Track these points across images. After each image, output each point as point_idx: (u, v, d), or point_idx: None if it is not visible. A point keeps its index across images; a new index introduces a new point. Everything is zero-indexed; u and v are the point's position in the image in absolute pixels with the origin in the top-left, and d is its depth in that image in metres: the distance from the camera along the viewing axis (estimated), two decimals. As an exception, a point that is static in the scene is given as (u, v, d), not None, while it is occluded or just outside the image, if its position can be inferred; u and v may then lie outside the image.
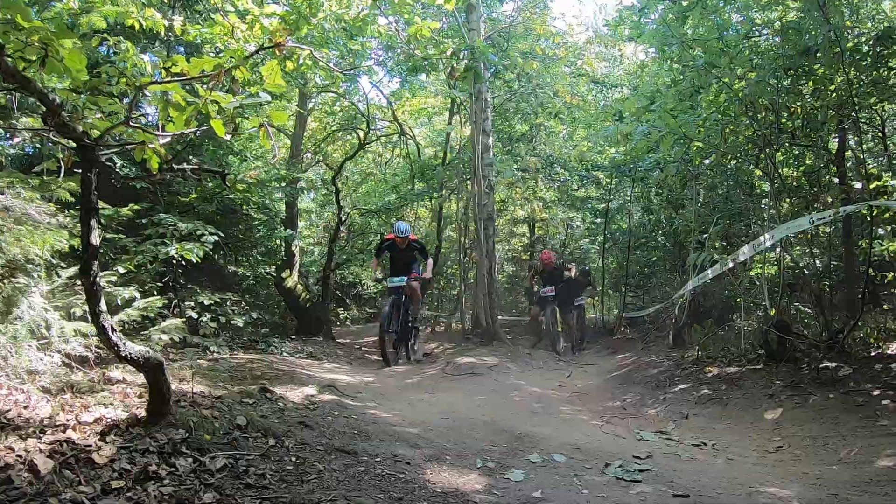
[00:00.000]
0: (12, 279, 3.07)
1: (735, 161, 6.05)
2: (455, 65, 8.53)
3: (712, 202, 7.28)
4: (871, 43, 4.48)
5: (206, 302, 5.72)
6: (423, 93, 11.98)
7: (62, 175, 3.37)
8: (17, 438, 1.92)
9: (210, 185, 6.28)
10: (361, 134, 11.08)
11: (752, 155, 5.52)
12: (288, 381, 4.17)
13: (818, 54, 4.51)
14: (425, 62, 8.53)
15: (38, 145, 4.44)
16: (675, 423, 3.91)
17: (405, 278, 7.09)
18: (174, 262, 5.47)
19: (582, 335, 9.73)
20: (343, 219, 11.55)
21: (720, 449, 3.25)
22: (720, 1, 5.65)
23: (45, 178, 3.46)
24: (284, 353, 6.78)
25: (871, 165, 6.82)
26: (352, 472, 2.14)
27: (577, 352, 9.10)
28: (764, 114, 5.11)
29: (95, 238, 1.95)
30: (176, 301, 5.59)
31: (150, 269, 5.18)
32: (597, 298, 12.56)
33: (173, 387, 2.55)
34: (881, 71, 4.54)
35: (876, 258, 6.80)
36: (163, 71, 1.91)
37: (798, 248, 6.97)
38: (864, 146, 6.02)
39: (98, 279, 1.99)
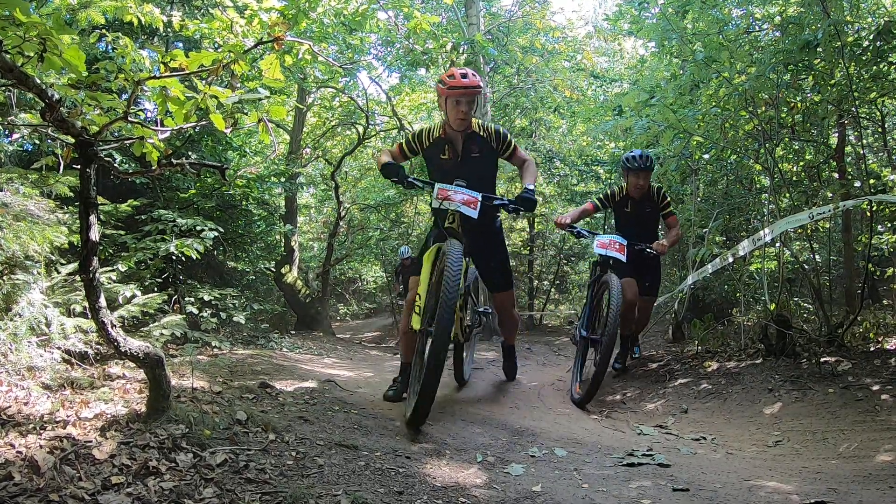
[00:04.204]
0: (12, 276, 3.07)
1: (735, 156, 6.05)
2: (454, 59, 8.52)
3: (712, 197, 7.28)
4: (871, 38, 4.46)
5: (207, 297, 5.73)
6: (422, 87, 11.97)
7: (61, 171, 3.37)
8: (18, 435, 1.93)
9: (209, 180, 6.28)
10: (361, 129, 11.09)
11: (751, 150, 5.52)
12: (288, 376, 4.18)
13: (818, 49, 4.51)
14: (425, 56, 8.53)
15: (36, 141, 4.44)
16: (675, 418, 3.92)
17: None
18: (174, 258, 5.47)
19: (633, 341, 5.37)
20: (342, 214, 11.58)
21: (720, 443, 3.26)
22: (720, -5, 5.64)
23: (43, 174, 3.46)
24: (284, 349, 6.81)
25: (871, 161, 6.83)
26: (352, 466, 2.15)
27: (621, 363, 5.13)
28: (764, 108, 5.10)
29: (95, 234, 1.95)
30: (176, 297, 5.60)
31: (150, 266, 5.19)
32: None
33: (173, 382, 2.56)
34: (881, 66, 4.54)
35: (875, 253, 6.82)
36: (161, 66, 1.90)
37: (798, 242, 6.99)
38: (864, 141, 6.02)
39: (97, 275, 1.98)
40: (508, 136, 3.83)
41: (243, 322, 6.27)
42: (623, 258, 4.43)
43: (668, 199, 4.95)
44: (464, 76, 3.50)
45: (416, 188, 3.57)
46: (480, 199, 3.41)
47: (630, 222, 4.79)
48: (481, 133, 3.73)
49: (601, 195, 5.02)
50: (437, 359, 2.77)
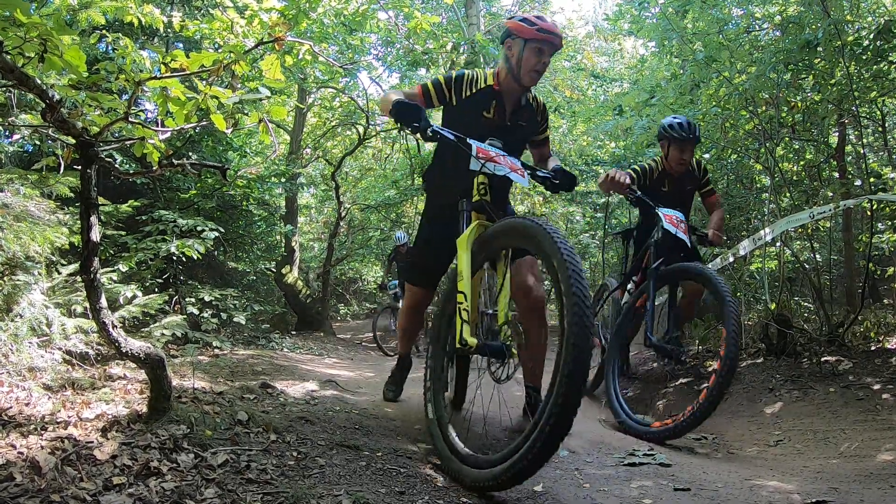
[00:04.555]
0: (12, 276, 3.07)
1: (735, 155, 6.05)
2: (455, 59, 8.52)
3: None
4: (871, 37, 4.47)
5: (207, 298, 5.73)
6: (422, 88, 11.96)
7: (62, 172, 3.37)
8: (19, 435, 1.93)
9: (210, 181, 6.29)
10: (361, 129, 11.09)
11: (752, 149, 5.52)
12: (289, 376, 4.17)
13: (818, 48, 4.51)
14: (425, 56, 8.53)
15: (37, 142, 4.44)
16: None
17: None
18: (174, 258, 5.47)
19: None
20: (343, 214, 11.57)
21: (721, 443, 3.26)
22: (720, -5, 5.65)
23: (44, 174, 3.46)
24: (285, 349, 6.80)
25: (871, 160, 6.83)
26: (353, 466, 2.15)
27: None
28: (764, 108, 5.11)
29: (95, 234, 1.95)
30: (177, 297, 5.60)
31: (150, 267, 5.19)
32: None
33: (174, 383, 2.55)
34: (882, 65, 4.54)
35: (876, 252, 6.82)
36: (162, 67, 1.90)
37: (798, 242, 6.98)
38: (865, 140, 6.02)
39: (98, 276, 1.98)
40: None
41: (244, 322, 6.27)
42: (689, 242, 3.53)
43: (709, 174, 4.12)
44: (553, 24, 2.67)
45: (440, 141, 2.44)
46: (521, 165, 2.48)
47: (665, 205, 3.64)
48: (532, 101, 2.89)
49: (637, 168, 3.95)
50: (574, 397, 1.74)
